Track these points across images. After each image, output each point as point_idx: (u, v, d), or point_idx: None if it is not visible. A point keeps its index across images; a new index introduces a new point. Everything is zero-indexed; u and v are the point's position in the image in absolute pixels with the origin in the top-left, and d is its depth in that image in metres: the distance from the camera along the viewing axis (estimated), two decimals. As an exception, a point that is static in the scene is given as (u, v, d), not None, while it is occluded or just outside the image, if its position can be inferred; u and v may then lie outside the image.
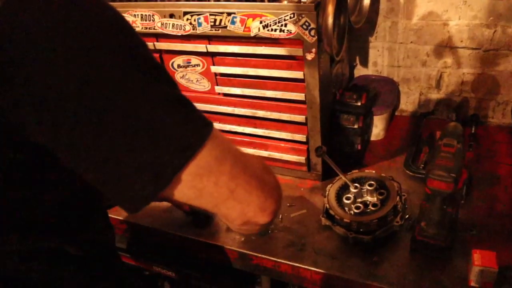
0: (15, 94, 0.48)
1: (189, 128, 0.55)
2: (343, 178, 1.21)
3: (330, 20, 1.07)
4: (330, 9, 1.07)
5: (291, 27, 1.11)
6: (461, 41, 1.46)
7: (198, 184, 0.57)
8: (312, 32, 1.10)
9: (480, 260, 0.98)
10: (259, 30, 1.15)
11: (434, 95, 1.62)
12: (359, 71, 1.70)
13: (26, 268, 0.64)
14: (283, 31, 1.12)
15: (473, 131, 1.49)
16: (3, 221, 0.60)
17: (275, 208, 0.67)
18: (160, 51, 1.37)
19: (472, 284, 1.00)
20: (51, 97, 0.48)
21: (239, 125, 1.42)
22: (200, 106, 1.40)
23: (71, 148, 0.52)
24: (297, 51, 1.16)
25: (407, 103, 1.68)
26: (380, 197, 1.18)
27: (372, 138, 1.56)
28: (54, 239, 0.66)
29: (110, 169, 0.53)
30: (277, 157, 1.40)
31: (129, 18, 1.28)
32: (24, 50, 0.46)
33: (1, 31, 0.45)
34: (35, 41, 0.46)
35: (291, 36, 1.12)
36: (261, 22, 1.14)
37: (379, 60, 1.64)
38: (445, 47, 1.50)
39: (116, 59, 0.51)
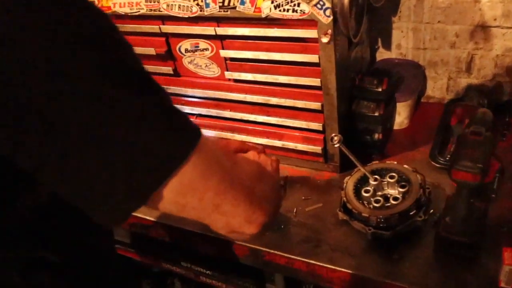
0: None
1: (170, 142, 0.53)
2: (362, 169, 1.19)
3: (346, -2, 1.05)
4: (347, -14, 1.04)
5: (304, 7, 1.09)
6: (495, 20, 1.41)
7: (181, 201, 0.56)
8: (327, 12, 1.07)
9: (511, 259, 0.95)
10: (270, 11, 1.13)
11: (464, 80, 1.57)
12: (382, 54, 1.67)
13: (1, 275, 0.63)
14: (296, 11, 1.11)
15: (507, 119, 1.45)
16: None
17: (263, 220, 0.66)
18: (167, 35, 1.36)
19: (502, 284, 0.97)
20: (14, 108, 0.46)
21: (251, 113, 1.41)
22: (209, 93, 1.42)
23: (38, 163, 0.50)
24: (312, 33, 1.14)
25: (434, 89, 1.64)
26: (402, 190, 1.15)
27: (395, 126, 1.53)
28: (34, 248, 0.65)
29: (81, 186, 0.51)
30: (291, 147, 1.39)
31: (133, -1, 1.28)
32: None
33: None
34: (5, 43, 0.44)
35: (304, 16, 1.10)
36: (272, 2, 1.12)
37: (403, 42, 1.60)
38: (477, 26, 1.45)
39: (90, 68, 0.48)
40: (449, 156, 1.32)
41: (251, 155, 0.88)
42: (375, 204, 1.14)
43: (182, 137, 0.54)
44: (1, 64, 0.45)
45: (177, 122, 0.55)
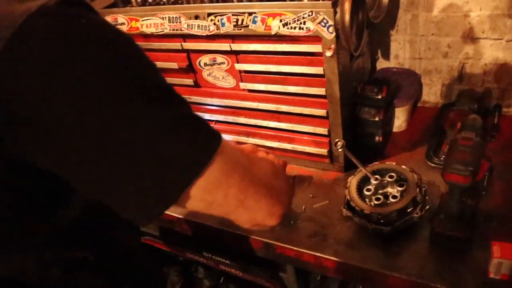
0: (18, 127, 0.47)
1: (195, 146, 0.53)
2: (363, 170, 1.16)
3: (347, 17, 1.03)
4: (347, 6, 1.02)
5: (309, 25, 1.08)
6: (483, 32, 1.38)
7: (208, 198, 0.56)
8: (330, 29, 1.06)
9: (499, 252, 0.93)
10: (279, 29, 1.12)
11: (456, 86, 1.54)
12: (381, 64, 1.64)
13: (43, 275, 0.63)
14: (302, 28, 1.09)
15: (495, 122, 1.42)
16: (18, 238, 0.58)
17: (283, 211, 0.67)
18: (188, 51, 1.36)
19: (492, 276, 0.95)
20: (53, 127, 0.47)
21: (264, 119, 1.39)
22: (226, 102, 1.41)
23: (77, 173, 0.51)
24: (317, 48, 1.12)
25: (429, 94, 1.61)
26: (400, 189, 1.13)
27: (394, 129, 1.51)
28: (73, 248, 0.65)
29: (116, 190, 0.52)
30: (300, 150, 1.37)
31: (157, 21, 1.28)
32: (26, 82, 0.45)
33: (4, 64, 0.44)
34: (37, 72, 0.45)
35: (310, 33, 1.09)
36: (281, 21, 1.10)
37: (400, 53, 1.57)
38: (467, 38, 1.42)
39: (118, 85, 0.49)
40: (443, 156, 1.30)
41: (260, 154, 0.88)
42: (376, 202, 1.12)
43: (206, 141, 0.55)
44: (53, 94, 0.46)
45: (200, 128, 0.56)
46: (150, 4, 1.33)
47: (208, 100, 1.45)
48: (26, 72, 0.45)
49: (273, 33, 1.13)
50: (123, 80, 0.50)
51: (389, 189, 1.16)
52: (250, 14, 1.13)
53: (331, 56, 1.11)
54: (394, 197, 1.12)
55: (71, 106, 0.46)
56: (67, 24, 0.47)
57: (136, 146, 0.49)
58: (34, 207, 0.57)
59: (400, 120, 1.49)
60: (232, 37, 1.24)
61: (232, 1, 1.20)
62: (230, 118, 1.45)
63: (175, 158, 0.51)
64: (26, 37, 0.45)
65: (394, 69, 1.60)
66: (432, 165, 1.30)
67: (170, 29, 1.28)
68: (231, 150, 0.59)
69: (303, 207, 1.25)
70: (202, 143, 0.54)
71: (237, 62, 1.30)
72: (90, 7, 0.52)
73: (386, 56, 1.61)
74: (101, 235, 0.71)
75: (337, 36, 1.07)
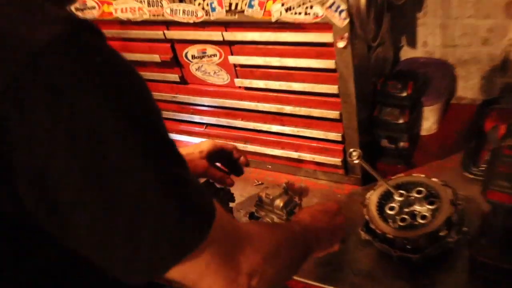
0: (15, 176, 0.50)
1: (185, 228, 0.57)
2: (385, 184, 1.12)
3: (363, -2, 0.99)
4: (363, -15, 0.99)
5: (317, 9, 1.05)
6: (532, 13, 1.34)
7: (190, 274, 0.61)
8: (343, 15, 1.03)
9: (555, 288, 0.88)
10: (281, 14, 1.09)
11: (499, 79, 1.50)
12: (406, 53, 1.62)
13: None
14: (309, 14, 1.06)
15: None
16: None
17: None
18: (172, 41, 1.34)
19: (546, 317, 0.90)
20: (47, 177, 0.50)
21: (264, 122, 1.38)
22: (219, 101, 1.40)
23: (63, 230, 0.54)
24: (327, 37, 1.10)
25: (466, 89, 1.57)
26: (431, 207, 1.09)
27: (423, 132, 1.48)
28: None
29: (107, 258, 0.57)
30: (308, 159, 1.35)
31: (134, 4, 1.25)
32: (28, 127, 0.48)
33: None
34: (38, 115, 0.48)
35: (318, 19, 1.06)
36: (283, 5, 1.08)
37: (429, 40, 1.54)
38: None
39: (130, 142, 0.53)
40: (483, 165, 1.25)
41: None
42: (401, 223, 1.09)
43: (199, 221, 0.59)
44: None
45: (192, 208, 0.59)
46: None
47: (197, 100, 1.43)
48: (29, 121, 0.48)
49: (273, 19, 1.11)
50: (138, 137, 0.54)
51: (417, 208, 1.13)
52: (245, -4, 1.11)
53: (344, 47, 1.08)
54: (423, 217, 1.08)
55: (72, 159, 0.50)
56: (77, 65, 0.50)
57: (130, 209, 0.54)
58: (12, 249, 0.59)
59: (429, 121, 1.46)
60: (225, 25, 1.22)
61: (223, -19, 1.18)
62: (224, 121, 1.44)
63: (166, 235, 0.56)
64: (31, 78, 0.47)
65: (422, 60, 1.57)
66: (470, 176, 1.26)
67: (150, 15, 1.26)
68: (222, 237, 0.63)
69: (313, 229, 1.21)
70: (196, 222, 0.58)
71: (231, 55, 1.29)
72: (100, 32, 0.55)
73: (412, 44, 1.59)
74: (81, 279, 0.72)
75: (351, 23, 1.04)
